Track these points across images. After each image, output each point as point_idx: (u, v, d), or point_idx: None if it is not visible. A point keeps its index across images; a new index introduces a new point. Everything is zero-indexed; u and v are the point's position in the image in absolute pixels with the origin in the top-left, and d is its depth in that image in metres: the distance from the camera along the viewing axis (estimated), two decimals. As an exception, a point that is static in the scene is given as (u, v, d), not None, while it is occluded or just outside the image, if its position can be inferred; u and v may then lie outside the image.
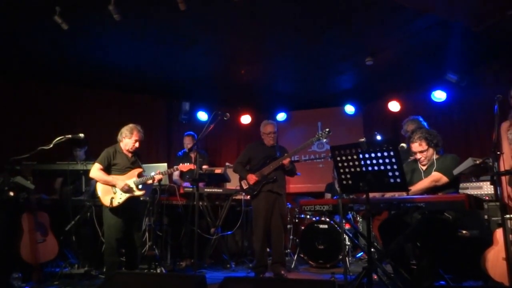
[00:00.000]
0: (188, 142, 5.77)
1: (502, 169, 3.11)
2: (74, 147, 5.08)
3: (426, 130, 3.46)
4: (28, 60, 5.49)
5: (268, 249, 4.73)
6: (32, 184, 4.19)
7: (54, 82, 6.11)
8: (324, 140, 4.34)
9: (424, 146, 3.36)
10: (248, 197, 4.69)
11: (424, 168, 3.43)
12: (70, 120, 5.99)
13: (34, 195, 4.30)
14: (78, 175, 4.79)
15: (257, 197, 4.40)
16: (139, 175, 4.13)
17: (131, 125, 4.17)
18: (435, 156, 3.41)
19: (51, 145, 4.01)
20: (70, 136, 4.16)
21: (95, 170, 4.01)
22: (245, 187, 4.48)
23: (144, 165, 4.34)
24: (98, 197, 4.02)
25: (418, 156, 3.40)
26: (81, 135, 4.26)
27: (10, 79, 5.80)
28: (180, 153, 5.91)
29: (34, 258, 4.12)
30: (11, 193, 4.18)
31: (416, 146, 3.39)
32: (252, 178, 4.39)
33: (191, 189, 4.88)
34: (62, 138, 4.08)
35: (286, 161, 4.34)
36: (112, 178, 4.00)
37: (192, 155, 5.59)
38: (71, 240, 4.45)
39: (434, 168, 3.33)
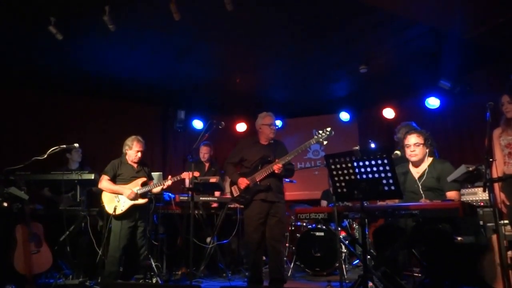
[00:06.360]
0: (205, 152, 5.75)
1: (494, 175, 3.13)
2: (65, 152, 5.10)
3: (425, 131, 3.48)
4: (23, 70, 5.49)
5: (264, 258, 4.68)
6: (26, 195, 4.16)
7: (48, 91, 6.11)
8: (325, 142, 3.80)
9: (421, 140, 3.35)
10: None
11: (417, 176, 3.40)
12: (64, 129, 5.98)
13: (28, 205, 4.27)
14: (72, 185, 4.76)
15: (249, 207, 4.01)
16: (143, 184, 4.29)
17: (132, 137, 4.38)
18: (427, 160, 3.39)
19: (45, 155, 4.01)
20: (64, 146, 4.20)
21: (104, 181, 4.25)
22: (235, 194, 4.11)
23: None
24: (103, 206, 4.21)
25: (412, 148, 3.35)
26: (76, 145, 4.38)
27: (4, 88, 5.79)
28: (192, 159, 5.84)
29: (28, 270, 4.07)
30: (5, 204, 4.14)
31: (413, 137, 3.36)
32: (243, 182, 3.99)
33: (186, 198, 4.86)
34: (56, 148, 4.09)
35: (276, 168, 3.90)
36: (119, 187, 4.21)
37: (206, 164, 5.69)
38: (66, 250, 4.41)
39: (428, 175, 3.33)
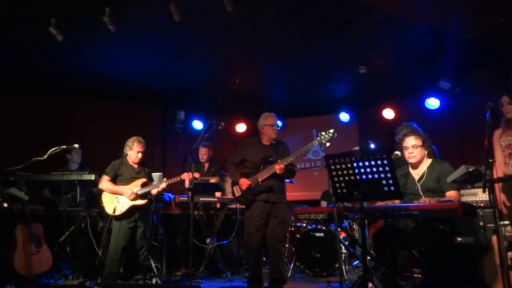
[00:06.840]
0: (203, 153, 5.73)
1: (495, 176, 3.12)
2: (65, 153, 5.13)
3: (422, 132, 3.50)
4: (23, 70, 5.49)
5: (264, 258, 4.67)
6: (26, 195, 4.16)
7: (48, 91, 6.10)
8: (328, 144, 3.75)
9: (419, 142, 3.35)
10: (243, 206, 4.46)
11: (416, 177, 3.41)
12: (65, 130, 5.98)
13: (29, 206, 4.27)
14: (72, 185, 4.76)
15: (251, 208, 4.01)
16: (143, 185, 4.30)
17: (133, 137, 4.39)
18: (426, 161, 3.39)
19: (46, 156, 4.01)
20: (65, 146, 4.21)
21: (104, 182, 4.25)
22: (237, 194, 4.11)
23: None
24: (103, 206, 4.22)
25: (410, 150, 3.35)
26: (76, 145, 4.39)
27: (4, 88, 5.79)
28: (192, 159, 5.82)
29: (28, 270, 4.07)
30: (5, 204, 4.15)
31: (411, 139, 3.36)
32: (244, 182, 3.99)
33: (186, 198, 4.86)
34: (56, 149, 4.09)
35: (278, 168, 3.86)
36: (119, 188, 4.22)
37: (206, 164, 5.67)
38: (66, 251, 4.41)
39: (428, 177, 3.32)
